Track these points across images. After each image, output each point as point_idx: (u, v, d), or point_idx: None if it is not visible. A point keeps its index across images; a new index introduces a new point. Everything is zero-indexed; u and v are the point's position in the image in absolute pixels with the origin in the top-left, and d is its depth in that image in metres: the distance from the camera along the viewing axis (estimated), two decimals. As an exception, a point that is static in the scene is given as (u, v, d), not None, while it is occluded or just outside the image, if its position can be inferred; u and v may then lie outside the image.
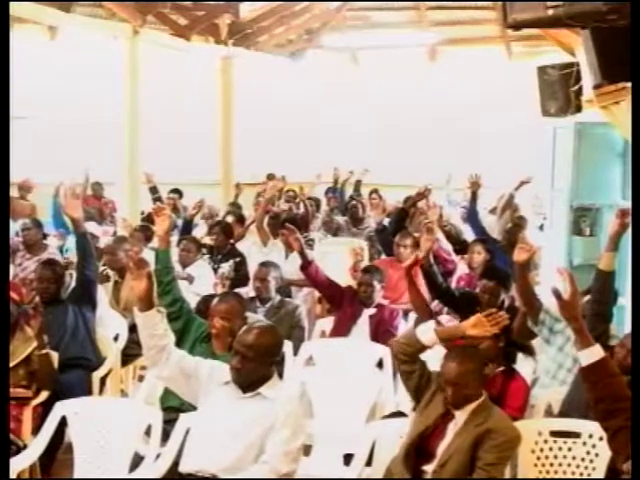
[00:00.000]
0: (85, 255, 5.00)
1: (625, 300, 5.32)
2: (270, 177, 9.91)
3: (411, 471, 3.30)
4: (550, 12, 3.07)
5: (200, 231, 8.27)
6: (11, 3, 6.55)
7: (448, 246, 7.23)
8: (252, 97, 11.56)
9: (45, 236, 7.21)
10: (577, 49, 6.32)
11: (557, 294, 2.73)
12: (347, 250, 8.23)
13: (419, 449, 3.34)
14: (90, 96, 10.80)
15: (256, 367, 3.29)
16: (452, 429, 3.33)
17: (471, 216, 7.70)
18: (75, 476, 3.68)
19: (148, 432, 3.66)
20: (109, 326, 5.37)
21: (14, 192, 9.92)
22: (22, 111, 11.09)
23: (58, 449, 4.11)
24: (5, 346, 3.32)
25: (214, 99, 11.06)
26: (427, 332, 3.46)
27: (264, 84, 11.97)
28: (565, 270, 2.85)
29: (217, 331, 4.00)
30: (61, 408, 3.79)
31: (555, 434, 3.58)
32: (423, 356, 3.52)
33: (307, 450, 3.86)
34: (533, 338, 4.25)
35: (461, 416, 3.33)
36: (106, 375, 5.06)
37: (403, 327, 5.18)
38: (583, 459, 3.52)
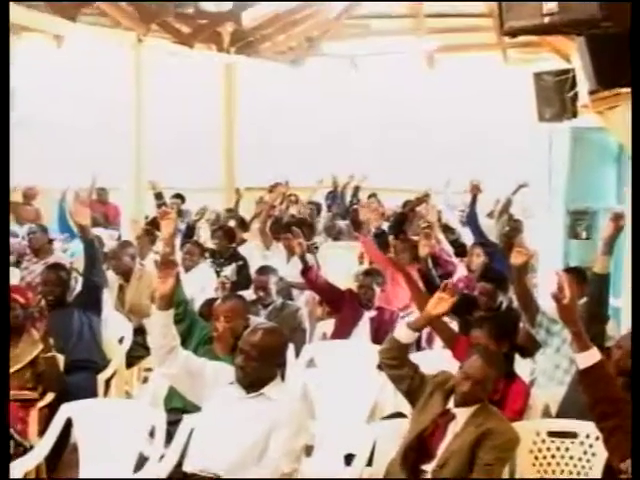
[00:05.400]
0: (92, 261, 5.00)
1: (621, 302, 5.31)
2: (272, 189, 9.94)
3: (410, 471, 3.29)
4: (546, 19, 3.07)
5: (203, 235, 8.26)
6: (16, 12, 6.59)
7: (449, 248, 7.24)
8: (254, 104, 11.55)
9: (51, 240, 7.20)
10: (572, 55, 6.32)
11: (557, 298, 2.73)
12: (348, 253, 8.25)
13: (418, 449, 3.34)
14: (95, 102, 10.81)
15: (260, 367, 3.29)
16: (452, 429, 3.33)
17: (470, 220, 7.72)
18: (80, 477, 3.67)
19: (152, 433, 3.65)
20: (114, 329, 5.34)
21: (19, 198, 9.94)
22: (28, 116, 11.14)
23: (64, 450, 4.09)
24: (5, 346, 3.32)
25: (217, 106, 11.07)
26: (402, 329, 3.51)
27: (265, 91, 11.97)
28: (564, 274, 2.84)
29: (219, 333, 4.00)
30: (67, 410, 3.78)
31: (553, 434, 3.57)
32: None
33: (309, 450, 3.84)
34: (539, 347, 4.24)
35: (462, 416, 3.33)
36: (111, 377, 5.05)
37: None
38: (580, 459, 3.50)
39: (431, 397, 3.42)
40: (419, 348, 5.45)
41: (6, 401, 3.28)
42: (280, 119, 12.34)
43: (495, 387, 3.46)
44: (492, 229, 8.26)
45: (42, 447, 3.76)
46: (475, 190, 7.78)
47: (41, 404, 4.19)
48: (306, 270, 5.56)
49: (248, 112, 11.34)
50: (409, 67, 12.20)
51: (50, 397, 4.22)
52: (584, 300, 4.17)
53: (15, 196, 9.98)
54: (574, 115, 6.48)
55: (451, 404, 3.37)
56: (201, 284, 6.26)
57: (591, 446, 3.47)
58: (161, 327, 3.37)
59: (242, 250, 7.42)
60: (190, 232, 7.58)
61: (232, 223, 8.19)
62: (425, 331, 5.30)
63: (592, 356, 2.71)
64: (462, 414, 3.33)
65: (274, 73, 11.94)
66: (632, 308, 1.76)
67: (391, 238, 7.21)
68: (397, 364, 3.49)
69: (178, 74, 11.05)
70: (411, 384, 3.47)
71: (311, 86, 12.51)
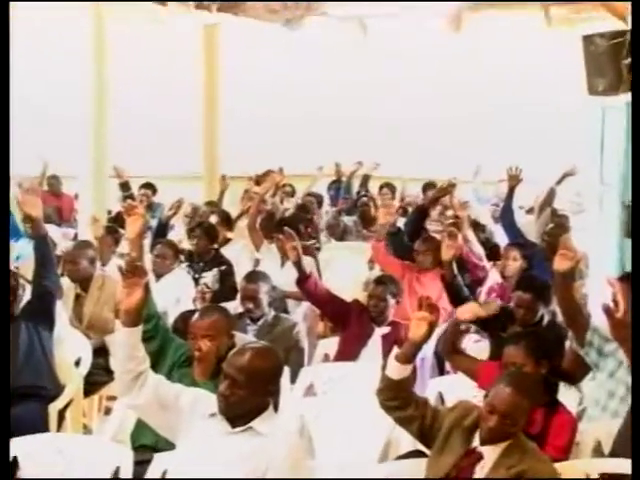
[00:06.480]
0: (44, 262, 4.99)
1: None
2: (261, 178, 9.96)
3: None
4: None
5: (178, 233, 8.26)
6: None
7: (480, 249, 7.24)
8: (241, 74, 11.57)
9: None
10: (629, 15, 6.32)
11: (608, 311, 2.73)
12: (355, 257, 8.26)
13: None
14: (46, 74, 10.82)
15: (248, 395, 3.30)
16: (479, 472, 3.34)
17: (505, 215, 7.72)
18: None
19: (117, 475, 3.63)
20: (69, 348, 5.36)
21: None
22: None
23: (8, 496, 4.10)
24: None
25: (196, 76, 11.09)
26: (391, 364, 3.50)
27: (255, 58, 11.99)
28: (616, 281, 2.84)
29: (199, 354, 4.02)
30: (11, 447, 3.77)
31: (606, 477, 3.56)
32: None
33: (307, 496, 3.85)
34: (588, 371, 4.24)
35: (490, 456, 3.33)
36: (65, 407, 5.03)
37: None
38: (639, 507, 3.50)
39: (450, 435, 3.43)
40: (442, 372, 5.46)
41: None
42: (273, 92, 12.36)
43: (530, 418, 3.46)
44: (532, 227, 8.27)
45: (-19, 493, 3.76)
46: (513, 180, 7.76)
47: (-20, 440, 4.19)
48: (303, 279, 5.57)
49: (234, 84, 11.36)
50: (430, 30, 12.19)
51: (-9, 432, 4.22)
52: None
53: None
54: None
55: (476, 441, 3.38)
56: (176, 294, 6.28)
57: (653, 492, 3.46)
58: (127, 347, 3.38)
59: (226, 252, 7.44)
60: (162, 230, 7.58)
61: (214, 219, 8.20)
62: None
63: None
64: (490, 453, 3.33)
65: (265, 37, 11.94)
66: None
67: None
68: (399, 405, 3.50)
69: (148, 38, 11.05)
70: (422, 424, 3.48)
71: (310, 53, 12.52)
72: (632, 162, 2.18)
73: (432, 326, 3.49)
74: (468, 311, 4.42)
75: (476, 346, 5.19)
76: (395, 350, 3.52)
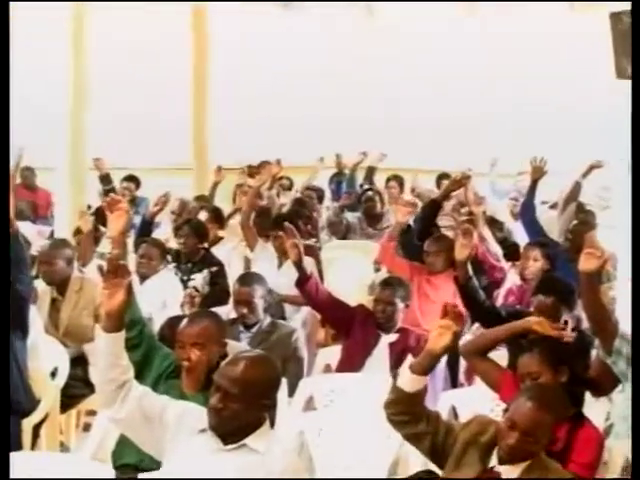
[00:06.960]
0: (17, 263, 4.95)
1: None
2: (255, 170, 9.97)
3: None
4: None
5: (164, 231, 8.26)
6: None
7: (497, 249, 7.25)
8: (233, 60, 11.57)
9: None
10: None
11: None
12: (360, 257, 8.25)
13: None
14: (22, 62, 10.82)
15: (242, 409, 3.29)
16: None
17: (526, 211, 7.71)
18: None
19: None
20: (45, 357, 5.35)
21: None
22: None
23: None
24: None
25: (184, 63, 11.09)
26: (405, 374, 3.48)
27: (249, 43, 11.98)
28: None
29: (189, 364, 4.02)
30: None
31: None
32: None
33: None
34: (617, 383, 4.24)
35: (510, 476, 3.33)
36: (41, 423, 5.05)
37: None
38: (673, 532, 3.50)
39: (465, 454, 3.43)
40: (455, 384, 5.45)
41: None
42: (268, 77, 12.36)
43: (553, 435, 3.45)
44: (554, 224, 8.26)
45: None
46: (537, 172, 7.73)
47: (-54, 458, 4.18)
48: (303, 280, 5.58)
49: (225, 69, 11.35)
50: (442, 14, 12.21)
51: (-42, 449, 4.22)
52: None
53: None
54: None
55: (494, 460, 3.38)
56: (162, 298, 6.29)
57: (689, 516, 3.46)
58: (109, 354, 3.39)
59: (217, 252, 7.45)
60: (147, 228, 7.60)
61: (203, 215, 8.21)
62: (463, 363, 5.31)
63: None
64: (510, 473, 3.33)
65: (261, 19, 11.95)
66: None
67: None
68: (410, 420, 3.49)
69: (132, 23, 11.07)
70: (434, 441, 3.47)
71: (311, 38, 12.52)
72: (632, 160, 2.14)
73: (456, 336, 3.50)
74: (539, 324, 4.36)
75: (493, 355, 5.18)
76: (410, 359, 3.51)
